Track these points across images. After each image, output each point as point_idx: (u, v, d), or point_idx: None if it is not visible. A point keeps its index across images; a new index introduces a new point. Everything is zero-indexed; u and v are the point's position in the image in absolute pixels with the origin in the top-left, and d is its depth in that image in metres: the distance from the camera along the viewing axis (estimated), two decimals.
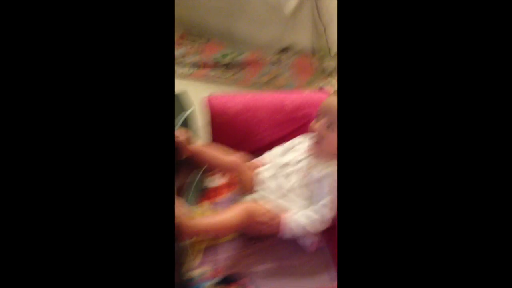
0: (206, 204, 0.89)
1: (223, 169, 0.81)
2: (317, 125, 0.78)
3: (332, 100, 0.78)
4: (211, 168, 0.84)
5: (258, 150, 0.98)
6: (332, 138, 0.77)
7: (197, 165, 0.87)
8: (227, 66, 1.52)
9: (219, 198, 0.90)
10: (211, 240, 0.80)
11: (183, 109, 0.77)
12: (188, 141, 0.76)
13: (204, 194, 0.91)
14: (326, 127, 0.77)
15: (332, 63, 1.47)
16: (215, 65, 1.52)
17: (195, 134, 0.89)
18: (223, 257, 0.76)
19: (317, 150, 0.80)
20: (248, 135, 0.97)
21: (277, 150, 0.92)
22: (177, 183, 0.73)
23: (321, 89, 1.49)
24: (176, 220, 0.61)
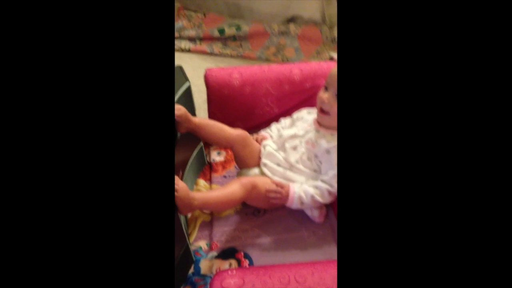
0: (203, 181, 0.89)
1: (229, 142, 0.80)
2: (326, 94, 0.76)
3: None
4: (216, 141, 0.83)
5: (265, 122, 0.97)
6: None
7: (200, 139, 0.86)
8: (230, 39, 1.48)
9: (220, 174, 0.90)
10: (209, 214, 0.80)
11: (179, 84, 0.76)
12: (187, 115, 0.74)
13: (204, 170, 0.91)
14: (335, 97, 0.75)
15: None
16: (216, 38, 1.48)
17: (193, 110, 0.88)
18: (221, 231, 0.76)
19: (325, 120, 0.78)
20: (253, 108, 0.96)
21: (285, 121, 0.90)
22: (176, 158, 0.72)
23: (331, 59, 1.44)
24: (176, 194, 0.61)
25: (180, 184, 0.62)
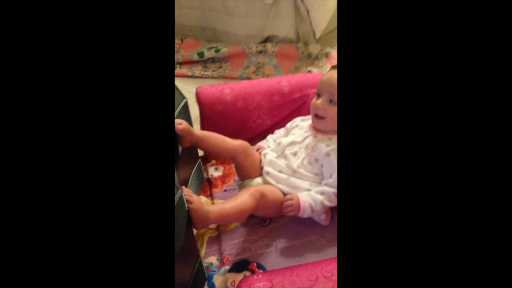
0: (204, 197, 0.89)
1: (231, 152, 0.80)
2: (319, 100, 0.79)
3: (331, 75, 0.79)
4: (218, 153, 0.83)
5: (258, 135, 0.98)
6: (335, 112, 0.78)
7: (199, 153, 0.86)
8: (209, 61, 1.51)
9: (220, 189, 0.89)
10: (215, 229, 0.79)
11: (176, 102, 0.77)
12: (190, 128, 0.75)
13: (203, 186, 0.91)
14: (328, 102, 0.78)
15: (317, 47, 1.49)
16: (196, 61, 1.51)
17: (191, 125, 0.88)
18: (230, 244, 0.75)
19: (321, 125, 0.80)
20: (246, 121, 0.97)
21: (279, 132, 0.92)
22: (179, 176, 0.72)
23: (309, 72, 1.50)
24: (191, 206, 0.60)
25: (194, 197, 0.61)
